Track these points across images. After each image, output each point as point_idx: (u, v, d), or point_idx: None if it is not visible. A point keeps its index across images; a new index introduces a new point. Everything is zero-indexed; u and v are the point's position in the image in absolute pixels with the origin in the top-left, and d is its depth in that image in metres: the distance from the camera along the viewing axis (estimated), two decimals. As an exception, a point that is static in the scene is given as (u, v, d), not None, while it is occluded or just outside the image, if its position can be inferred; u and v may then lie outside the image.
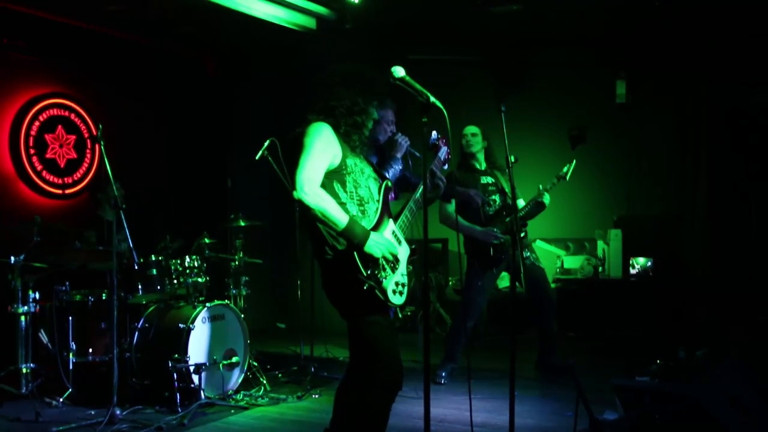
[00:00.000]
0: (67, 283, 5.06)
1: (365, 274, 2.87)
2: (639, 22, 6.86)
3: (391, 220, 3.11)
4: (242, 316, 5.21)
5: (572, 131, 7.43)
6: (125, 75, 7.06)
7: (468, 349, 6.28)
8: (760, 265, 6.75)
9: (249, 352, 5.15)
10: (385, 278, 2.95)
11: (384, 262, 2.94)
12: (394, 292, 2.99)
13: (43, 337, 5.02)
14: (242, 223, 5.69)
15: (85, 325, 5.02)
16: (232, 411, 4.73)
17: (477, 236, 5.33)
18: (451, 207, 5.45)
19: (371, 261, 2.89)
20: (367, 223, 3.00)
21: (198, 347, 4.82)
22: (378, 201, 3.09)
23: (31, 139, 6.29)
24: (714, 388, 3.80)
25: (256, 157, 5.27)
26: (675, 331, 6.45)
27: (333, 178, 2.99)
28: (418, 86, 3.06)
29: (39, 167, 6.34)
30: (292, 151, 3.01)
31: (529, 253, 5.50)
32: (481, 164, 5.59)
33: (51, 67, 6.53)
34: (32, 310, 4.94)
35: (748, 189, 6.98)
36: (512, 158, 5.15)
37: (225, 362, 4.95)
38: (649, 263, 7.18)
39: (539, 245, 7.44)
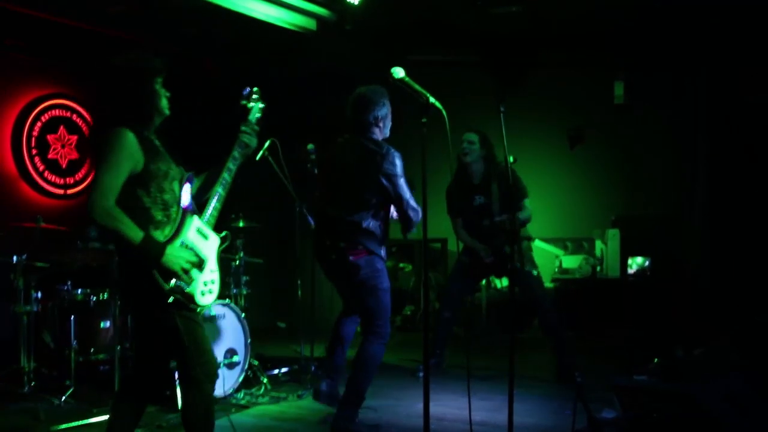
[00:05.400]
0: (69, 283, 5.10)
1: (167, 288, 2.85)
2: (637, 23, 6.89)
3: (195, 217, 3.04)
4: (243, 315, 5.23)
5: (571, 131, 7.47)
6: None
7: (467, 348, 6.33)
8: (758, 264, 6.78)
9: (250, 351, 5.18)
10: (191, 282, 2.92)
11: (188, 269, 2.90)
12: (202, 293, 2.96)
13: (46, 336, 5.05)
14: (242, 224, 5.72)
15: (87, 324, 5.05)
16: (233, 410, 4.74)
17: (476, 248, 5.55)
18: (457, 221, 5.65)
19: (171, 274, 2.86)
20: (171, 228, 2.95)
21: (199, 346, 4.83)
22: (179, 200, 3.03)
23: (33, 139, 6.34)
24: (712, 386, 3.83)
25: (257, 158, 5.30)
26: (672, 330, 6.48)
27: (135, 185, 2.91)
28: (417, 87, 3.09)
29: (41, 167, 6.37)
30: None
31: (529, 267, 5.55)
32: (476, 177, 5.55)
33: (53, 68, 6.57)
34: (35, 309, 4.97)
35: (747, 188, 7.00)
36: (511, 158, 5.22)
37: (226, 361, 4.97)
38: (647, 263, 7.21)
39: (538, 245, 7.47)
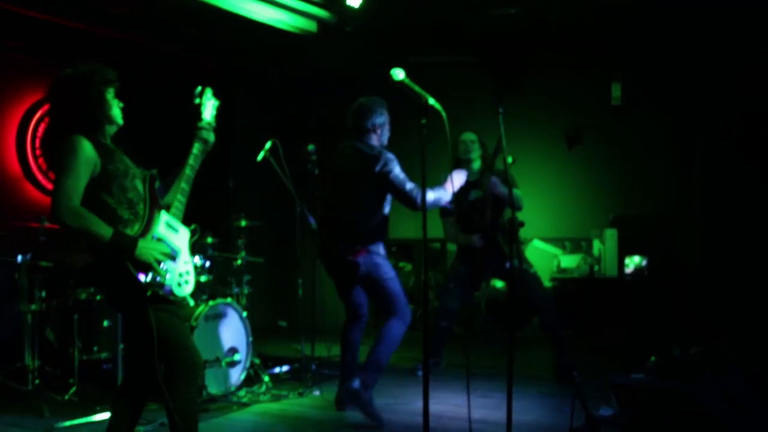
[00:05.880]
0: (73, 282, 5.13)
1: (143, 283, 2.88)
2: (636, 24, 6.92)
3: (162, 212, 3.08)
4: (244, 314, 5.27)
5: (569, 132, 7.51)
6: (128, 77, 7.05)
7: (466, 346, 6.37)
8: (756, 263, 6.81)
9: (251, 349, 5.22)
10: (167, 274, 2.96)
11: (162, 260, 2.94)
12: (179, 284, 3.01)
13: (49, 334, 5.09)
14: (244, 223, 5.75)
15: (90, 323, 5.09)
16: (235, 408, 4.80)
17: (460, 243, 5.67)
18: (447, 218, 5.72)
19: (146, 266, 2.89)
20: (140, 225, 2.99)
21: (201, 345, 4.82)
22: (145, 198, 3.07)
23: (38, 140, 6.37)
24: (711, 386, 3.87)
25: (258, 159, 5.34)
26: (670, 328, 6.52)
27: (97, 188, 2.94)
28: (417, 89, 3.12)
29: (45, 168, 6.41)
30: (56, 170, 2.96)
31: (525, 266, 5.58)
32: (473, 174, 5.59)
33: (55, 69, 6.58)
34: (38, 308, 5.01)
35: (745, 188, 7.04)
36: (510, 159, 5.27)
37: (227, 360, 5.01)
38: (644, 262, 7.25)
39: (536, 245, 7.51)
